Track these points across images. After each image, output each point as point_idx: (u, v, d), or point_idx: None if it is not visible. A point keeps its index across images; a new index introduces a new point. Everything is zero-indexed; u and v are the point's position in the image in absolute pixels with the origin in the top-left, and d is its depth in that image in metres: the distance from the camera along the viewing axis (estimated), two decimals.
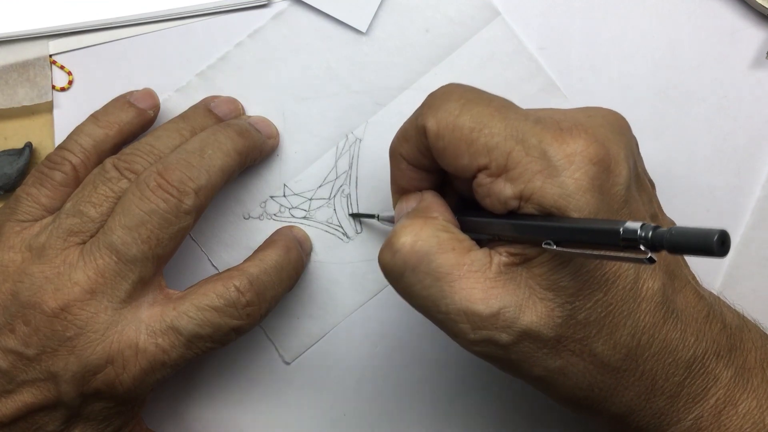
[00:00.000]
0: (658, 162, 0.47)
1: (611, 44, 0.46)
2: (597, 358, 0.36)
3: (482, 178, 0.36)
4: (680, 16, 0.46)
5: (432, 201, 0.39)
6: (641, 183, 0.38)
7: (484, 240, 0.37)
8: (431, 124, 0.36)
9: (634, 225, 0.30)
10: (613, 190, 0.35)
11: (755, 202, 0.47)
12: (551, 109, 0.38)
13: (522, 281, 0.35)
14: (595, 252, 0.31)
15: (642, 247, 0.29)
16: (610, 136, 0.35)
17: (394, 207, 0.41)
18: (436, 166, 0.38)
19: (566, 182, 0.34)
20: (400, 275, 0.36)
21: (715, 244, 0.27)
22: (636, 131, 0.46)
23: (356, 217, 0.47)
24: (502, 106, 0.36)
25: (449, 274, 0.35)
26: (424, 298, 0.36)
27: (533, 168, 0.34)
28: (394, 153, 0.40)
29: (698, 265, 0.47)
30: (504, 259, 0.35)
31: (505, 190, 0.35)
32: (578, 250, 0.32)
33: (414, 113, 0.38)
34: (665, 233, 0.29)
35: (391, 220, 0.45)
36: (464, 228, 0.38)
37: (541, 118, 0.36)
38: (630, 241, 0.30)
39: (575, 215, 0.34)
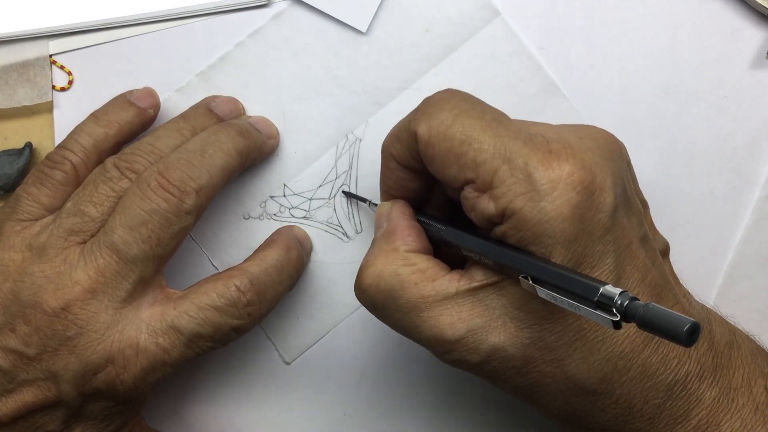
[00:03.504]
0: (657, 162, 0.47)
1: (611, 44, 0.46)
2: (570, 380, 0.36)
3: (468, 192, 0.36)
4: (680, 16, 0.46)
5: (397, 222, 0.40)
6: (631, 206, 0.37)
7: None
8: (423, 130, 0.37)
9: (613, 290, 0.30)
10: (596, 217, 0.35)
11: (755, 202, 0.47)
12: (545, 124, 0.38)
13: (492, 301, 0.36)
14: (567, 299, 0.32)
15: (614, 310, 0.30)
16: (599, 161, 0.35)
17: (381, 201, 0.42)
18: (425, 169, 0.38)
19: (546, 208, 0.34)
20: (372, 310, 0.39)
21: (685, 333, 0.28)
22: (636, 131, 0.47)
23: (349, 196, 0.47)
24: (494, 120, 0.36)
25: (415, 307, 0.37)
26: (397, 328, 0.38)
27: (517, 189, 0.34)
28: (386, 151, 0.40)
29: (698, 265, 0.47)
30: (476, 284, 0.36)
31: (488, 207, 0.35)
32: (552, 293, 0.33)
33: (408, 115, 0.39)
34: (640, 307, 0.29)
35: None
36: (447, 243, 0.39)
37: (532, 135, 0.36)
38: (604, 304, 0.31)
39: (550, 242, 0.34)
